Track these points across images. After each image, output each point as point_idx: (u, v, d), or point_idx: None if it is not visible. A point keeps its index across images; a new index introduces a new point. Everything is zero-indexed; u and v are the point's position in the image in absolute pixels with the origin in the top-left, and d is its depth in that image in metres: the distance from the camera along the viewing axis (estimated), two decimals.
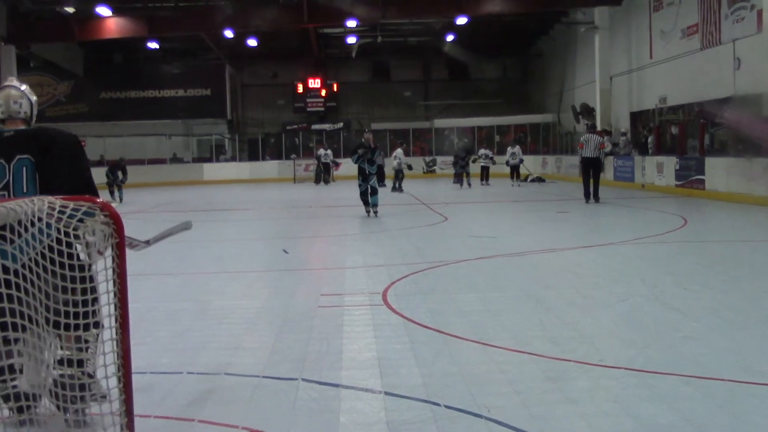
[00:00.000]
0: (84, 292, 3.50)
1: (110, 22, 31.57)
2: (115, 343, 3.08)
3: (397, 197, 23.26)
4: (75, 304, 3.47)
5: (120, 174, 25.13)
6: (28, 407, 3.52)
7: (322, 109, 42.87)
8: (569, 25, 34.01)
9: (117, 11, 30.96)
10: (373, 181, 16.63)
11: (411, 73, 44.05)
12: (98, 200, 2.90)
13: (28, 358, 3.42)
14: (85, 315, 3.56)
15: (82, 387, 3.72)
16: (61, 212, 2.93)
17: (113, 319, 3.07)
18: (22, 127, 4.28)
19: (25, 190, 4.01)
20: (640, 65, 27.69)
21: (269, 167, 39.08)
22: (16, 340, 3.33)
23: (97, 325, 3.73)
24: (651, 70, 26.71)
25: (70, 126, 38.88)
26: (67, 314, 3.43)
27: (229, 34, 33.45)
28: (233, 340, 6.18)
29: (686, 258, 10.15)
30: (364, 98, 43.54)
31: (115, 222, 2.96)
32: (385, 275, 8.86)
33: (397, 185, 26.36)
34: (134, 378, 3.12)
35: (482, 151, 30.41)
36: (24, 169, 4.05)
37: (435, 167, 38.87)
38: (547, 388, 4.68)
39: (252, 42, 36.86)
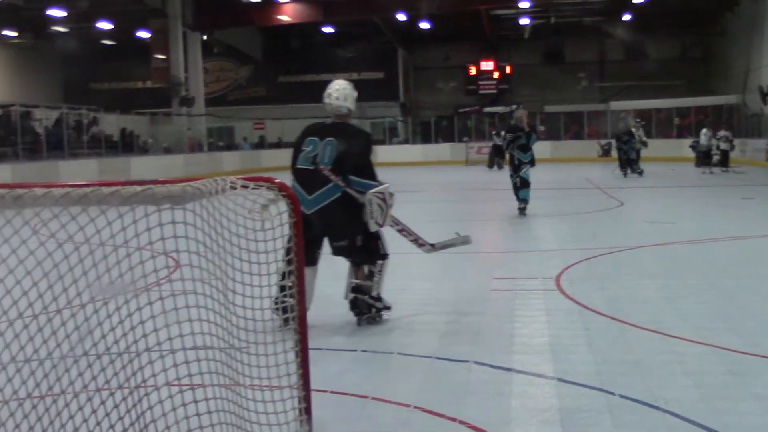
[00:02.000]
0: (370, 235, 5.86)
1: (287, 7, 32.70)
2: (292, 318, 3.19)
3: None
4: (359, 249, 5.92)
5: None
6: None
7: (495, 91, 42.45)
8: (757, 0, 31.91)
9: None
10: (525, 171, 13.28)
11: (585, 55, 42.79)
12: (276, 180, 3.01)
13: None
14: (370, 253, 5.96)
15: (369, 305, 5.99)
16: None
17: (289, 296, 3.17)
18: (338, 121, 6.16)
19: (325, 161, 5.84)
20: None
21: (441, 150, 39.16)
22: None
23: (382, 257, 6.01)
24: None
25: (249, 109, 40.71)
26: (357, 253, 5.94)
27: (401, 17, 33.77)
28: (406, 321, 6.28)
29: None
30: (537, 80, 42.71)
31: (293, 202, 3.06)
32: (559, 260, 8.71)
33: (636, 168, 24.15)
34: (311, 354, 3.23)
35: (722, 133, 25.60)
36: (330, 147, 5.89)
37: (611, 151, 37.59)
38: (729, 382, 4.47)
39: (424, 25, 37.01)
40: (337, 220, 5.85)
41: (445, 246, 6.68)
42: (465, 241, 6.68)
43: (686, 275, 7.83)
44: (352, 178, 5.82)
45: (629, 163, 23.63)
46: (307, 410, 3.16)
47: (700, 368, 4.72)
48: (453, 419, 3.98)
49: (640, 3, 31.49)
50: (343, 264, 6.17)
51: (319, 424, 3.34)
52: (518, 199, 13.46)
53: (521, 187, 13.33)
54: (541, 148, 33.26)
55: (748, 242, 9.97)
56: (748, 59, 34.96)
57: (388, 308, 6.13)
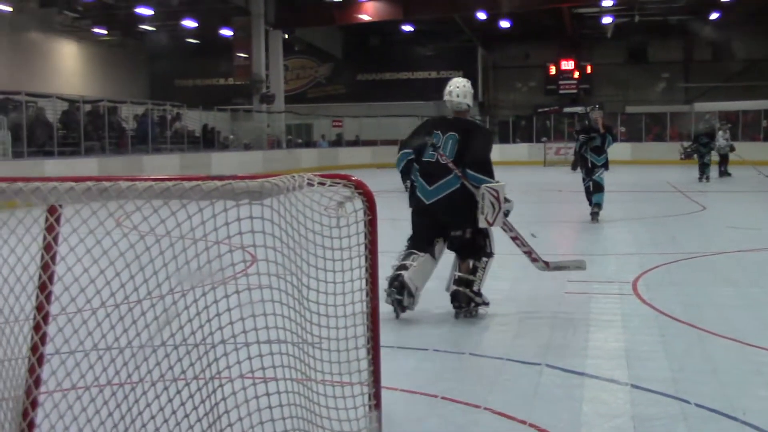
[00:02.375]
0: (479, 231, 6.17)
1: (368, 6, 32.90)
2: (365, 316, 3.21)
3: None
4: (472, 242, 6.21)
5: None
6: (402, 291, 6.01)
7: (575, 91, 41.83)
8: None
9: None
10: (600, 175, 12.60)
11: (670, 54, 41.76)
12: (353, 178, 3.04)
13: (419, 265, 6.10)
14: (477, 248, 6.23)
15: (468, 299, 6.19)
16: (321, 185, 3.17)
17: (363, 293, 3.20)
18: (458, 116, 6.50)
19: (448, 152, 6.22)
20: None
21: (519, 150, 38.75)
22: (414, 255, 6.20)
23: (488, 255, 6.28)
24: None
25: (328, 106, 41.05)
26: (466, 247, 6.24)
27: (481, 15, 33.58)
28: (479, 320, 6.26)
29: None
30: (619, 80, 41.92)
31: (368, 200, 3.09)
32: (636, 264, 8.56)
33: (722, 168, 24.05)
34: (383, 351, 3.25)
35: None
36: (451, 141, 6.25)
37: (694, 153, 36.61)
38: None
39: (504, 23, 36.70)
40: (455, 210, 6.18)
41: (559, 267, 6.80)
42: (579, 266, 6.79)
43: None
44: (469, 172, 6.11)
45: (703, 167, 22.44)
46: (377, 407, 3.19)
47: None
48: (523, 422, 3.96)
49: (728, 1, 30.55)
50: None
51: (388, 421, 3.36)
52: (591, 203, 12.81)
53: (594, 191, 12.67)
54: (621, 150, 32.89)
55: None
56: None
57: (486, 304, 6.33)
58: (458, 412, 4.15)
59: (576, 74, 41.72)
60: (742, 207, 15.91)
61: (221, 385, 3.19)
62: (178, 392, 3.03)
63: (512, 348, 5.33)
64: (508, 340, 5.57)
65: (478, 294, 6.24)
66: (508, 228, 6.47)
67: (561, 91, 41.89)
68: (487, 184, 6.04)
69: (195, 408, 3.09)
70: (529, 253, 6.65)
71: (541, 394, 4.42)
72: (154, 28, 37.99)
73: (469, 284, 6.20)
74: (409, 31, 39.35)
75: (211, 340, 3.06)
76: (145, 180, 2.70)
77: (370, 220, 3.12)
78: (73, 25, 35.18)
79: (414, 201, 6.44)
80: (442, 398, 4.34)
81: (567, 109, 40.94)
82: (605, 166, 12.70)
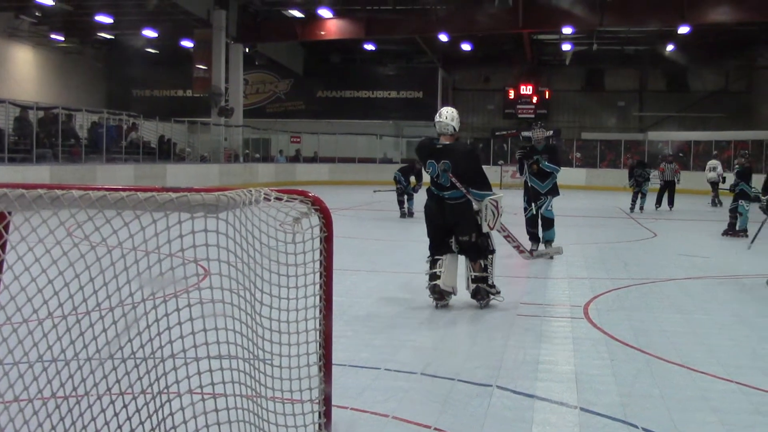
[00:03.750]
0: (482, 235, 7.31)
1: (331, 23, 33.04)
2: (317, 333, 3.20)
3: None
4: (477, 244, 7.33)
5: (413, 179, 18.46)
6: (443, 297, 7.38)
7: (533, 115, 42.23)
8: None
9: (337, 13, 32.34)
10: (548, 206, 11.26)
11: (626, 83, 42.57)
12: (310, 194, 3.04)
13: (446, 268, 7.31)
14: (482, 248, 7.36)
15: (485, 292, 7.43)
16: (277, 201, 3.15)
17: (317, 310, 3.19)
18: (448, 141, 7.45)
19: (443, 180, 7.32)
20: None
21: None
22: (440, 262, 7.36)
23: (491, 252, 7.41)
24: None
25: (287, 122, 41.01)
26: (472, 249, 7.33)
27: (443, 37, 33.90)
28: (431, 341, 6.27)
29: None
30: (576, 107, 42.61)
31: (325, 217, 3.08)
32: (588, 288, 8.65)
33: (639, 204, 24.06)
34: (334, 369, 3.24)
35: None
36: (445, 167, 7.28)
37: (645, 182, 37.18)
38: (756, 422, 4.40)
39: (466, 46, 37.10)
40: (464, 217, 7.35)
41: (540, 254, 8.24)
42: (558, 251, 8.14)
43: (716, 311, 7.73)
44: (473, 191, 7.30)
45: (635, 197, 21.35)
46: (327, 425, 3.17)
47: (726, 406, 4.65)
48: None
49: (684, 34, 31.24)
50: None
51: None
52: (534, 238, 11.48)
53: (544, 227, 11.35)
54: (576, 175, 33.39)
55: None
56: None
57: (498, 293, 7.53)
58: None
59: (534, 99, 42.34)
60: (692, 235, 16.18)
61: (169, 400, 3.14)
62: (125, 406, 2.99)
63: (463, 369, 5.34)
64: (460, 362, 5.58)
65: (492, 286, 7.48)
66: (502, 229, 7.85)
67: (519, 115, 42.40)
68: (489, 197, 7.28)
69: (141, 423, 3.04)
70: (518, 246, 8.18)
71: (492, 415, 4.43)
72: (113, 37, 37.66)
73: (484, 280, 7.41)
74: (371, 51, 39.56)
75: (161, 354, 3.02)
76: (99, 189, 2.66)
77: (326, 237, 3.11)
78: (30, 30, 34.72)
79: (427, 207, 7.65)
80: (393, 418, 4.33)
81: (524, 134, 41.29)
82: (553, 191, 11.35)
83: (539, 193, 11.26)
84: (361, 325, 6.64)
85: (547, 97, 42.56)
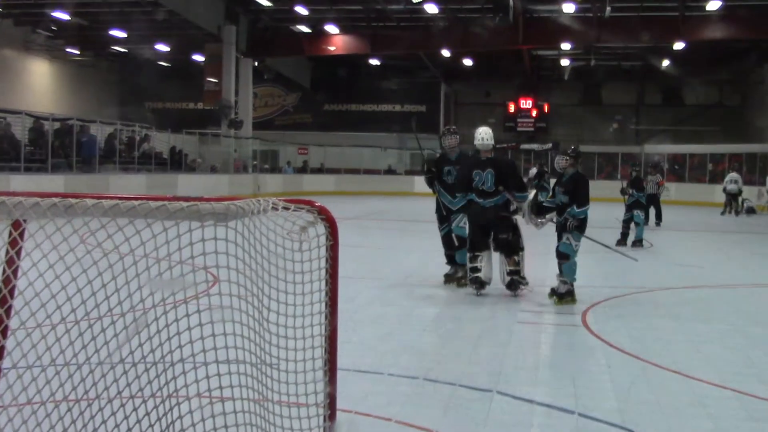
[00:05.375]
0: (516, 235, 8.52)
1: (337, 39, 33.17)
2: (323, 339, 3.19)
3: None
4: (512, 242, 8.44)
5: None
6: (483, 286, 8.50)
7: (532, 129, 42.39)
8: None
9: (343, 29, 32.44)
10: (459, 223, 9.10)
11: (623, 97, 42.56)
12: (316, 204, 3.03)
13: (485, 263, 8.50)
14: (515, 246, 8.47)
15: (518, 283, 8.48)
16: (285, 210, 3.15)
17: (322, 316, 3.18)
18: (489, 155, 8.66)
19: (488, 186, 8.45)
20: None
21: None
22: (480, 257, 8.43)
23: (522, 249, 8.51)
24: None
25: (295, 134, 41.04)
26: (508, 246, 8.41)
27: (445, 53, 33.99)
28: (433, 347, 6.25)
29: None
30: (574, 120, 42.57)
31: (331, 226, 3.08)
32: (586, 296, 8.62)
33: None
34: (339, 374, 3.23)
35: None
36: (490, 175, 8.44)
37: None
38: (750, 429, 4.38)
39: (467, 61, 37.18)
40: (502, 219, 8.44)
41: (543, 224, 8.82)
42: (552, 219, 8.68)
43: (712, 319, 7.70)
44: (516, 194, 8.48)
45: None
46: (331, 429, 3.15)
47: (722, 412, 4.62)
48: None
49: (679, 49, 31.24)
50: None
51: None
52: (453, 260, 9.32)
53: (459, 246, 9.08)
54: None
55: None
56: None
57: (527, 284, 8.62)
58: None
59: (534, 113, 42.31)
60: (688, 245, 16.15)
61: (178, 404, 3.13)
62: (135, 410, 2.98)
63: (465, 374, 5.32)
64: (461, 367, 5.56)
65: (523, 278, 8.56)
66: (534, 223, 8.69)
67: (519, 128, 42.40)
68: (527, 200, 8.53)
69: (151, 426, 3.03)
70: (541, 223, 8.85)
71: (492, 420, 4.41)
72: (126, 50, 37.76)
73: (518, 273, 8.48)
74: (376, 65, 39.63)
75: (170, 359, 3.01)
76: (112, 198, 2.66)
77: (331, 245, 3.11)
78: (47, 44, 34.84)
79: (472, 212, 8.69)
80: (396, 422, 4.31)
81: (524, 146, 41.44)
82: (463, 208, 8.99)
83: (451, 210, 9.19)
84: (365, 331, 6.63)
85: (546, 110, 42.55)
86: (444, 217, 9.32)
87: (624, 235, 14.61)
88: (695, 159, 38.05)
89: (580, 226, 8.27)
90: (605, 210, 25.48)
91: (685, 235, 18.82)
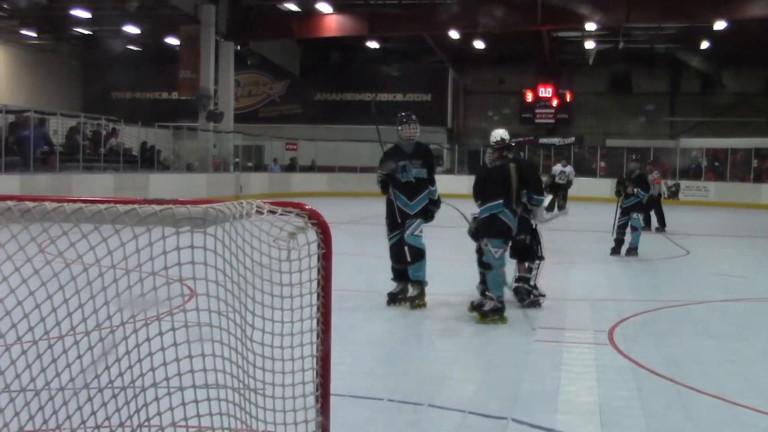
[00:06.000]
0: (532, 239, 8.81)
1: (330, 19, 32.98)
2: (314, 360, 3.19)
3: None
4: (526, 247, 8.81)
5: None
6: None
7: (552, 121, 42.18)
8: None
9: (338, 8, 32.32)
10: (415, 231, 8.69)
11: (655, 85, 42.47)
12: (306, 207, 3.04)
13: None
14: (531, 254, 8.83)
15: (528, 292, 8.72)
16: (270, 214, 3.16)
17: (314, 335, 3.18)
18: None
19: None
20: None
21: None
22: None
23: (539, 257, 8.87)
24: None
25: (282, 127, 40.91)
26: (524, 250, 8.82)
27: (454, 35, 33.89)
28: (439, 369, 6.25)
29: None
30: (600, 111, 42.45)
31: (323, 232, 3.09)
32: (613, 311, 8.63)
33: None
34: (332, 400, 3.23)
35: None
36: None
37: (679, 192, 37.09)
38: None
39: (479, 44, 37.10)
40: (520, 222, 8.49)
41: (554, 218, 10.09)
42: (565, 213, 10.22)
43: (755, 336, 7.72)
44: (535, 196, 8.78)
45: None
46: None
47: None
48: None
49: (721, 30, 31.06)
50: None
51: None
52: (400, 276, 8.95)
53: (413, 259, 8.68)
54: (600, 187, 33.27)
55: None
56: None
57: (543, 296, 8.84)
58: None
59: (554, 102, 42.10)
60: (728, 253, 16.16)
61: None
62: None
63: (475, 400, 5.33)
64: (471, 392, 5.57)
65: (535, 287, 8.78)
66: (541, 220, 9.19)
67: (537, 120, 42.16)
68: (542, 202, 9.08)
69: None
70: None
71: None
72: (91, 33, 37.78)
73: (526, 281, 8.77)
74: (375, 49, 39.53)
75: (141, 383, 3.02)
76: (74, 201, 2.67)
77: (324, 254, 3.11)
78: None
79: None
80: None
81: (543, 140, 41.22)
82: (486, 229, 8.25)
83: (405, 213, 8.76)
84: (362, 352, 6.63)
85: (568, 100, 42.41)
86: (397, 223, 8.77)
87: (618, 242, 14.16)
88: (738, 154, 37.94)
89: (487, 228, 8.02)
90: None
91: (724, 241, 18.84)
